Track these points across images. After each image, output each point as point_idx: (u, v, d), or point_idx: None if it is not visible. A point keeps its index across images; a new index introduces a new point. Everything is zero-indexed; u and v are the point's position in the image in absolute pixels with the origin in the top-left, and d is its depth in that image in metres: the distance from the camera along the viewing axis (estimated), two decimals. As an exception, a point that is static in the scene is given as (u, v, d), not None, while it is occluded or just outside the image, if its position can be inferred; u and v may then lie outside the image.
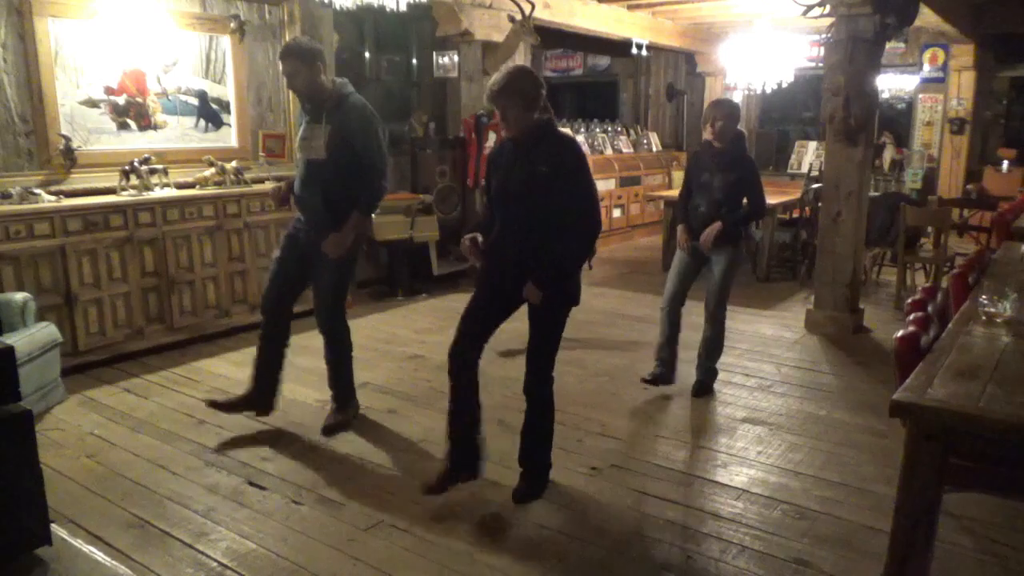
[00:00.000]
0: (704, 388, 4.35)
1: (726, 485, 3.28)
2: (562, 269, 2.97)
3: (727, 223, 4.12)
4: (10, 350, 2.22)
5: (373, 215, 3.78)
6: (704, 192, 4.23)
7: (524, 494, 3.13)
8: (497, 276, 3.06)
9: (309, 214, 3.70)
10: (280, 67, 3.60)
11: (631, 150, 10.28)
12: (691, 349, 4.45)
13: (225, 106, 5.63)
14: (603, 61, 12.53)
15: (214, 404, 3.86)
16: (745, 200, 4.23)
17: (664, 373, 4.34)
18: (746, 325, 5.74)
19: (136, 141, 5.13)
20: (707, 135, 4.22)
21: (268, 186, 5.53)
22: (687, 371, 4.50)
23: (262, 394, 3.84)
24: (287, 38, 5.89)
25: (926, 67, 9.45)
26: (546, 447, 3.21)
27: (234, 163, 5.43)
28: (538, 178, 2.89)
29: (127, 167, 4.89)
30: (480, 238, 3.05)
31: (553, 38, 8.66)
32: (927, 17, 7.21)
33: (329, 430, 3.79)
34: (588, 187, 2.98)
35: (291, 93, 5.97)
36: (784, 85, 7.37)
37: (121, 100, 5.05)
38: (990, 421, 2.03)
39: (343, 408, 3.89)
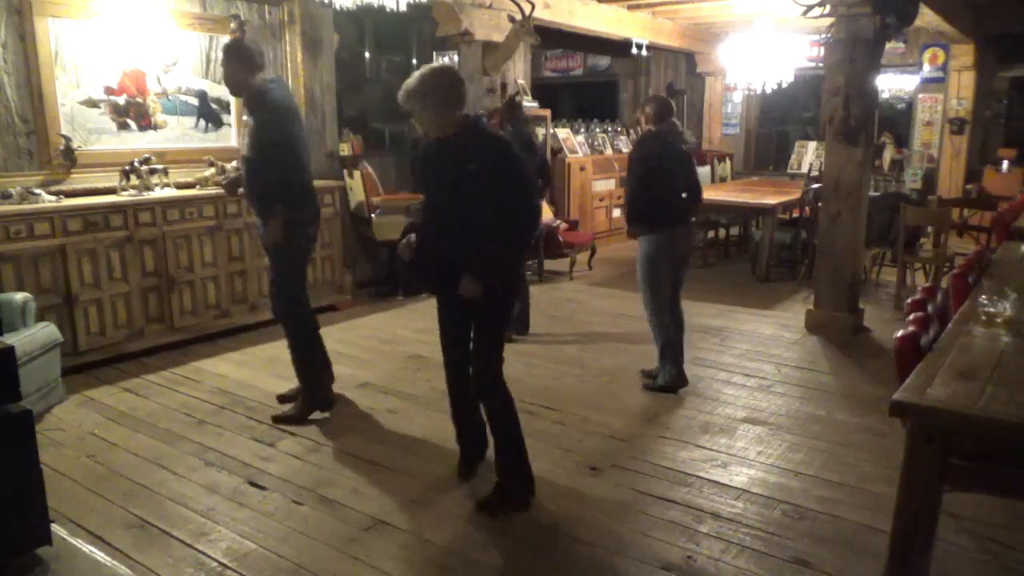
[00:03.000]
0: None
1: (726, 485, 3.28)
2: (495, 258, 2.91)
3: None
4: (10, 350, 2.22)
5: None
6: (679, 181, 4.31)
7: (487, 503, 3.04)
8: (440, 282, 3.09)
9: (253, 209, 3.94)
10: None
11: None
12: (694, 349, 4.45)
13: (225, 106, 5.63)
14: (603, 61, 12.52)
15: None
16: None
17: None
18: (746, 325, 5.74)
19: (136, 141, 5.14)
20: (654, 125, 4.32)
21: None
22: (688, 370, 4.50)
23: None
24: (287, 38, 5.90)
25: (926, 67, 9.45)
26: (508, 455, 3.08)
27: (234, 163, 5.42)
28: (468, 175, 2.86)
29: (127, 167, 4.89)
30: (414, 238, 3.06)
31: (553, 38, 8.66)
32: (927, 17, 7.21)
33: (276, 419, 3.90)
34: (519, 179, 2.92)
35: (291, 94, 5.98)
36: (784, 85, 7.37)
37: (121, 100, 5.05)
38: (990, 421, 2.03)
39: (300, 398, 3.96)
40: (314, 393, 3.95)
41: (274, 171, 3.62)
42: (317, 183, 5.94)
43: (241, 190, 3.97)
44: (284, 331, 3.97)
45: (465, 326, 3.09)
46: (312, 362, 3.96)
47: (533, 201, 3.05)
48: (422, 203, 3.20)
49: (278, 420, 3.89)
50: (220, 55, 3.69)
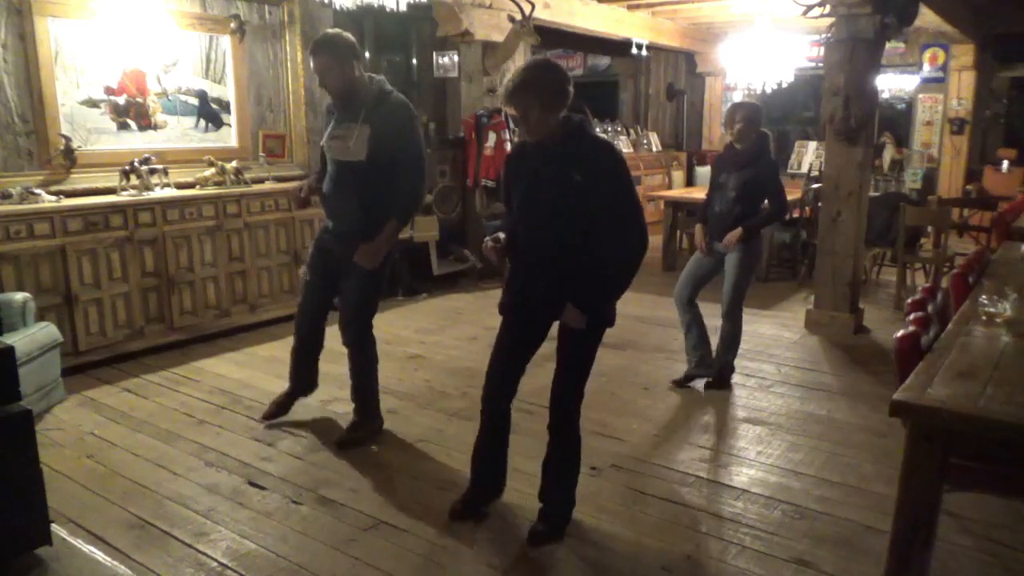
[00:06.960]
0: (721, 382, 4.41)
1: (726, 485, 3.28)
2: (608, 289, 2.66)
3: (748, 226, 4.16)
4: (10, 350, 2.22)
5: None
6: (719, 192, 4.30)
7: (541, 535, 2.83)
8: (525, 304, 2.80)
9: (340, 220, 3.52)
10: (312, 63, 3.37)
11: (631, 150, 10.28)
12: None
13: (225, 106, 5.63)
14: (603, 61, 12.53)
15: (269, 416, 3.89)
16: (767, 201, 4.29)
17: (698, 370, 4.41)
18: (746, 325, 5.67)
19: (136, 141, 5.13)
20: (728, 136, 4.33)
21: (268, 186, 5.57)
22: (681, 369, 4.50)
23: (303, 382, 3.91)
24: (287, 38, 5.90)
25: (926, 67, 9.45)
26: (571, 484, 2.94)
27: (234, 163, 5.43)
28: (572, 187, 2.56)
29: (127, 167, 4.89)
30: (502, 236, 2.73)
31: (553, 38, 8.66)
32: (927, 17, 7.22)
33: (343, 443, 3.63)
34: (631, 194, 2.65)
35: (291, 93, 5.98)
36: (784, 85, 7.36)
37: (121, 100, 5.05)
38: (990, 421, 2.03)
39: (363, 423, 3.72)
40: (377, 413, 3.79)
41: (408, 184, 3.36)
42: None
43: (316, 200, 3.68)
44: (351, 355, 3.67)
45: (524, 363, 2.91)
46: (375, 386, 3.77)
47: (642, 221, 2.66)
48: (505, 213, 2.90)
49: (343, 445, 3.61)
50: (312, 56, 3.30)
